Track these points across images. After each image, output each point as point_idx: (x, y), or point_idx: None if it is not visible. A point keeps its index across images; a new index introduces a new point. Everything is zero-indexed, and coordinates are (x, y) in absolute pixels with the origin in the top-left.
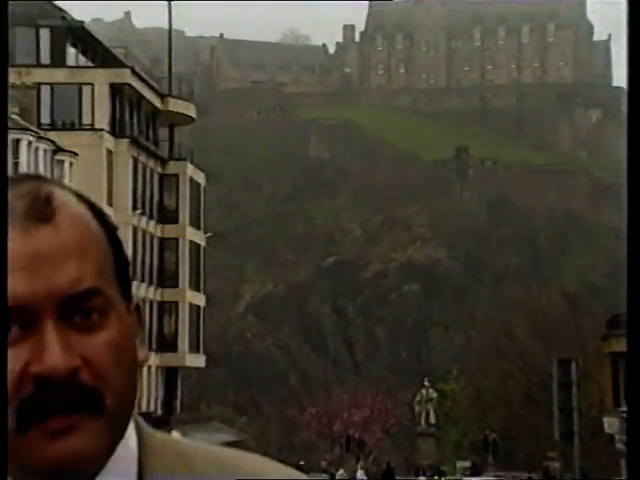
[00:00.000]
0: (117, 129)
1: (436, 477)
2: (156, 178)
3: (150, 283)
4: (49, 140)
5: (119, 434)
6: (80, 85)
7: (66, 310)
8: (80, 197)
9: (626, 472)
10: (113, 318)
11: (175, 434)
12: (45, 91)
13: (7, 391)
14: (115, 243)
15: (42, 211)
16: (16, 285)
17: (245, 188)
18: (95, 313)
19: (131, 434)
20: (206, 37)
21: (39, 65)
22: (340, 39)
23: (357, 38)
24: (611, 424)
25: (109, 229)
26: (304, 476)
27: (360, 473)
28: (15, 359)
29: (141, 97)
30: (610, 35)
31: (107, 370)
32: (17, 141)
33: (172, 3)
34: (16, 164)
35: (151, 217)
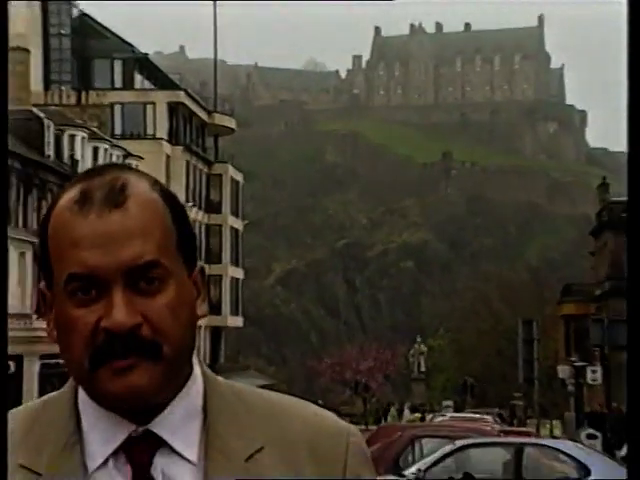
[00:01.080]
0: (173, 138)
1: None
2: (204, 177)
3: (199, 260)
4: (120, 147)
5: (176, 376)
6: (145, 104)
7: (131, 278)
8: (155, 183)
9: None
10: (172, 284)
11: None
12: (117, 109)
13: (7, 393)
14: (181, 221)
15: (115, 199)
16: (91, 258)
17: (274, 185)
18: (156, 280)
19: (198, 375)
20: (244, 65)
21: (113, 88)
22: (350, 66)
23: (364, 66)
24: (563, 371)
25: (176, 209)
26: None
27: (407, 412)
28: (90, 315)
29: (192, 113)
30: (563, 64)
31: (165, 326)
32: (96, 148)
33: (217, 38)
34: None
35: (200, 208)
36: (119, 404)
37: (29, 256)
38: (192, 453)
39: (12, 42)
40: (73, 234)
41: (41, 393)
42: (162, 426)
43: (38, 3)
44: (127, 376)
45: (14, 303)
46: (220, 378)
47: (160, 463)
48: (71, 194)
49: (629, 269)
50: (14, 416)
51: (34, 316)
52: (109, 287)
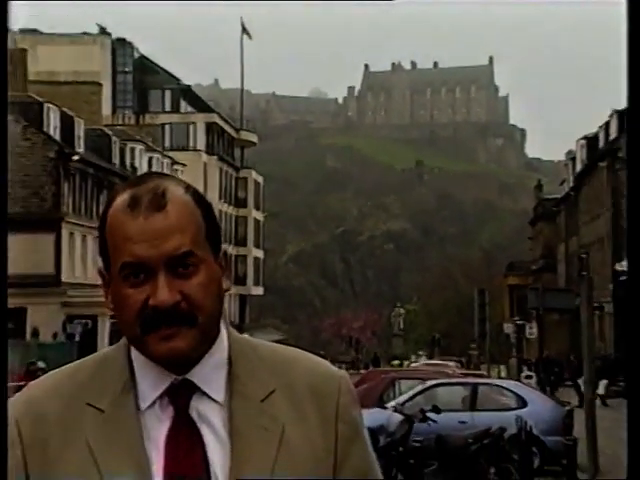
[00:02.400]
0: (209, 150)
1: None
2: (233, 180)
3: (230, 243)
4: (169, 157)
5: (207, 337)
6: (187, 124)
7: (171, 265)
8: (187, 187)
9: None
10: (203, 268)
11: (245, 335)
12: (167, 127)
13: (7, 394)
14: (209, 216)
15: (158, 203)
16: (140, 250)
17: (287, 186)
18: (191, 266)
19: (224, 335)
20: (263, 94)
21: (163, 112)
22: (345, 94)
23: (356, 94)
24: (508, 327)
25: (205, 207)
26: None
27: (424, 359)
28: (139, 294)
29: (224, 130)
30: (508, 93)
31: (199, 301)
32: (150, 158)
33: (243, 73)
34: None
35: (230, 203)
36: (164, 362)
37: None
38: (220, 396)
39: (88, 77)
40: (126, 232)
41: (111, 343)
42: (196, 376)
43: (109, 47)
44: (170, 341)
45: (93, 276)
46: (240, 335)
47: (195, 404)
48: (122, 198)
49: (628, 253)
50: (83, 365)
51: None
52: (154, 272)
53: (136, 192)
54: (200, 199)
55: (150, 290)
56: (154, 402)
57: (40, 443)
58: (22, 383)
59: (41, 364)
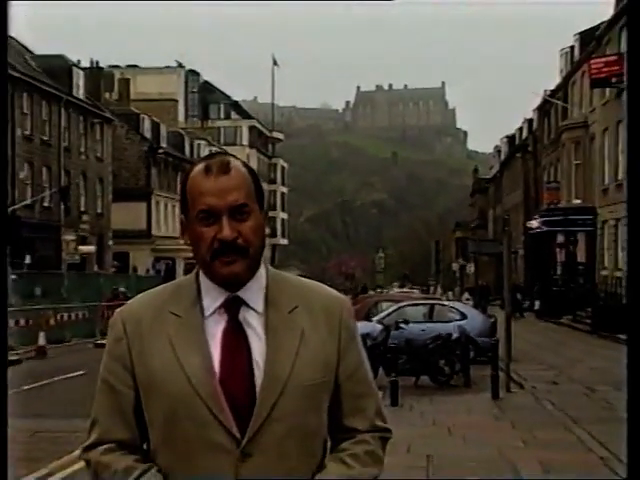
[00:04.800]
0: (251, 145)
1: (383, 289)
2: (267, 165)
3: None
4: (223, 149)
5: (255, 267)
6: (236, 127)
7: (232, 212)
8: (244, 163)
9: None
10: (253, 217)
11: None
12: (222, 129)
13: (7, 392)
14: (257, 183)
15: (224, 169)
16: (211, 201)
17: (304, 169)
18: (245, 214)
19: (263, 268)
20: (288, 106)
21: (219, 119)
22: (344, 106)
23: (351, 106)
24: (454, 266)
25: (255, 177)
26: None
27: (397, 286)
28: (210, 232)
29: (261, 132)
30: (455, 106)
31: (250, 238)
32: (210, 150)
33: (274, 91)
34: None
35: (265, 181)
36: (223, 281)
37: (177, 206)
38: (260, 308)
39: (169, 96)
40: (201, 188)
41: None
42: (244, 294)
43: (183, 76)
44: (230, 266)
45: (172, 231)
46: (274, 269)
47: (242, 313)
48: (199, 167)
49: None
50: (166, 288)
51: (180, 238)
52: (220, 217)
53: (209, 162)
54: (252, 171)
55: (217, 229)
56: (214, 311)
57: (138, 338)
58: (112, 303)
59: (122, 289)
